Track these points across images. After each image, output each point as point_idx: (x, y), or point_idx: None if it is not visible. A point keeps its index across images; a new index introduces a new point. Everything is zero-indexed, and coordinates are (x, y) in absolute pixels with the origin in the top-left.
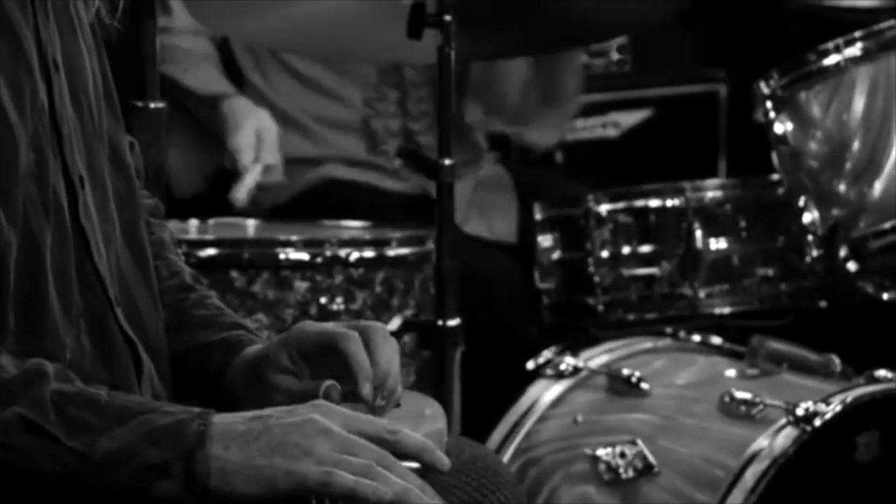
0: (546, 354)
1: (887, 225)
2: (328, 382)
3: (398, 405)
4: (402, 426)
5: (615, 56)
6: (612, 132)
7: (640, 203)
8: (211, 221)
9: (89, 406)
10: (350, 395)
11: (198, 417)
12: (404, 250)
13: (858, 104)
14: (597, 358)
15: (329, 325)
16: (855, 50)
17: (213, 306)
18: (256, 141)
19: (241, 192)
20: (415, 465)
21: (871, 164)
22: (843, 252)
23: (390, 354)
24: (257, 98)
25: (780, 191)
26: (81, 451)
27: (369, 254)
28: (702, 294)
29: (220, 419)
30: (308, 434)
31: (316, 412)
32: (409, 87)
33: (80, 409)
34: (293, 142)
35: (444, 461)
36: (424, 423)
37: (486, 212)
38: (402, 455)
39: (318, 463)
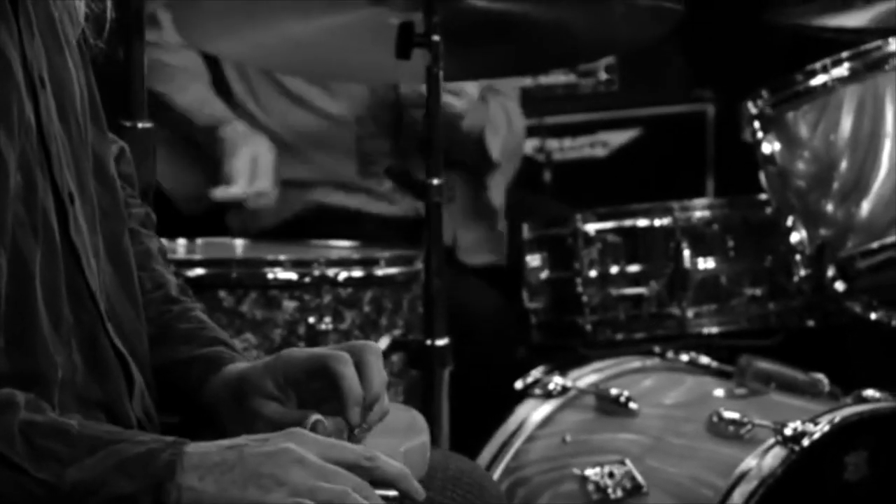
0: (534, 374)
1: (875, 245)
2: (314, 417)
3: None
4: (386, 441)
5: (603, 76)
6: (600, 152)
7: (628, 223)
8: (199, 241)
9: (59, 436)
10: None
11: (170, 447)
12: (393, 270)
13: (846, 124)
14: (585, 377)
15: (318, 349)
16: (842, 70)
17: (195, 319)
18: (251, 167)
19: (222, 193)
20: (392, 493)
21: (858, 184)
22: (830, 272)
23: (383, 374)
24: (249, 120)
25: (768, 210)
26: (49, 483)
27: (358, 273)
28: (690, 314)
29: (194, 448)
30: (282, 464)
31: (291, 441)
32: (402, 107)
33: (48, 440)
34: (283, 164)
35: (421, 491)
36: (408, 436)
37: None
38: (380, 483)
39: (292, 493)
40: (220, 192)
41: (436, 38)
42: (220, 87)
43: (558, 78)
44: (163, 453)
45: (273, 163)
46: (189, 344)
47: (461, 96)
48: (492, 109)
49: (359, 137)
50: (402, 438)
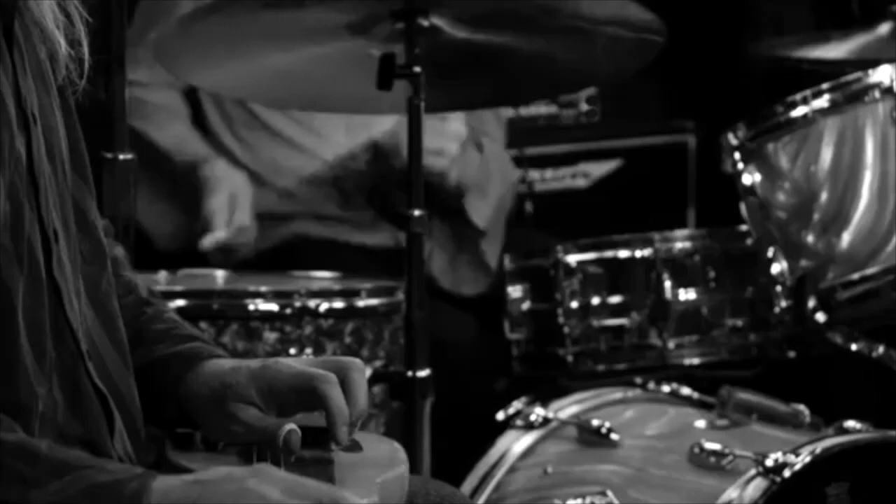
0: (516, 405)
1: (855, 276)
2: (289, 427)
3: (360, 449)
4: (363, 472)
5: (584, 107)
6: (581, 182)
7: (609, 254)
8: (180, 273)
9: (26, 458)
10: (310, 434)
11: (136, 478)
12: (374, 301)
13: (826, 155)
14: (567, 409)
15: (305, 366)
16: (822, 102)
17: (169, 320)
18: (230, 203)
19: (210, 241)
20: None
21: (839, 216)
22: (811, 303)
23: (366, 392)
24: (227, 156)
25: (749, 241)
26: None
27: (339, 304)
28: (671, 345)
29: (160, 483)
30: (243, 502)
31: (255, 477)
32: (379, 146)
33: (16, 461)
34: (263, 198)
35: None
36: (386, 467)
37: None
38: None
39: None
40: (208, 242)
41: (417, 69)
42: (200, 123)
43: (540, 109)
44: (129, 483)
45: (251, 198)
46: (165, 342)
47: (442, 155)
48: (480, 167)
49: (337, 174)
50: (379, 470)
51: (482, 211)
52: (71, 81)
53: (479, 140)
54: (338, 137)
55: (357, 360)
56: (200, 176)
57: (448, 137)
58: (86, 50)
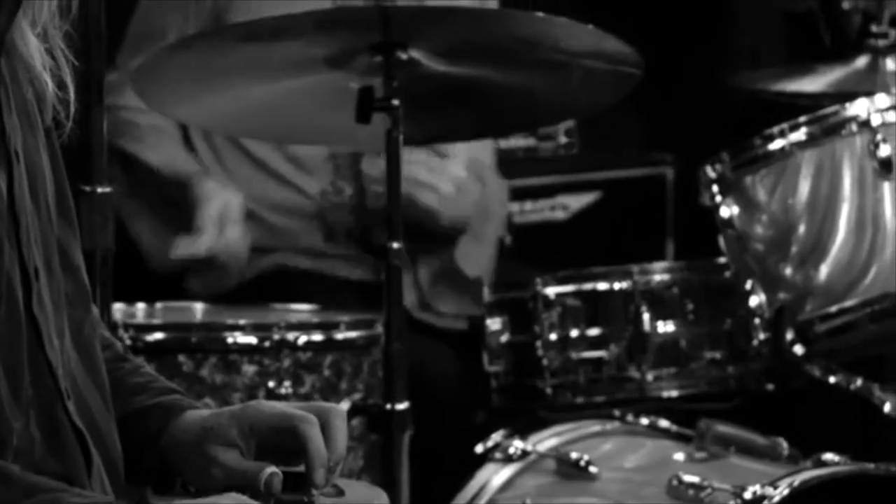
0: (495, 438)
1: (833, 308)
2: (270, 470)
3: (342, 494)
4: None
5: (563, 139)
6: (560, 215)
7: (588, 286)
8: (158, 305)
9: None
10: (290, 479)
11: None
12: (353, 334)
13: (804, 188)
14: (545, 441)
15: (287, 408)
16: (800, 135)
17: (147, 374)
18: (221, 216)
19: (186, 248)
20: None
21: (816, 248)
22: (789, 335)
23: (346, 437)
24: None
25: (727, 274)
26: None
27: (317, 337)
28: (650, 377)
29: None
30: None
31: None
32: (365, 180)
33: None
34: (251, 231)
35: None
36: None
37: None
38: None
39: None
40: (183, 247)
41: (396, 102)
42: (191, 144)
43: (518, 141)
44: None
45: (243, 212)
46: (144, 394)
47: (435, 192)
48: (479, 203)
49: (321, 208)
50: None
51: (476, 258)
52: (58, 123)
53: (482, 173)
54: (324, 170)
55: (338, 406)
56: (192, 192)
57: (444, 177)
58: (72, 93)
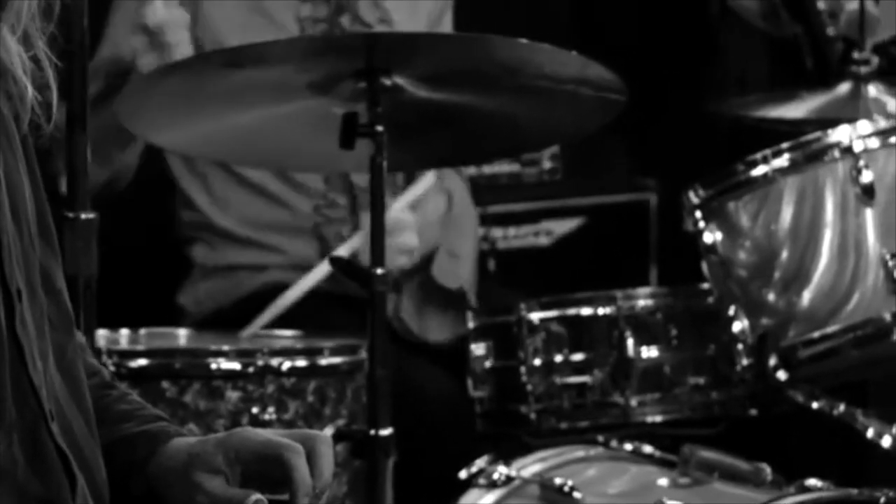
0: (479, 463)
1: (816, 334)
2: (255, 497)
3: None
4: None
5: (547, 165)
6: (544, 240)
7: (572, 311)
8: (142, 331)
9: None
10: None
11: None
12: (336, 359)
13: (786, 214)
14: (529, 467)
15: (272, 435)
16: (782, 161)
17: (134, 402)
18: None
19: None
20: None
21: (799, 274)
22: (772, 361)
23: (332, 465)
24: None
25: (711, 299)
26: None
27: (301, 363)
28: (633, 402)
29: None
30: None
31: None
32: (358, 192)
33: None
34: (239, 250)
35: None
36: None
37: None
38: None
39: None
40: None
41: (380, 128)
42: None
43: (502, 167)
44: None
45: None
46: (131, 421)
47: (404, 253)
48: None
49: (316, 224)
50: None
51: (456, 272)
52: (37, 126)
53: (448, 188)
54: (315, 187)
55: (324, 434)
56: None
57: (394, 252)
58: (54, 95)
